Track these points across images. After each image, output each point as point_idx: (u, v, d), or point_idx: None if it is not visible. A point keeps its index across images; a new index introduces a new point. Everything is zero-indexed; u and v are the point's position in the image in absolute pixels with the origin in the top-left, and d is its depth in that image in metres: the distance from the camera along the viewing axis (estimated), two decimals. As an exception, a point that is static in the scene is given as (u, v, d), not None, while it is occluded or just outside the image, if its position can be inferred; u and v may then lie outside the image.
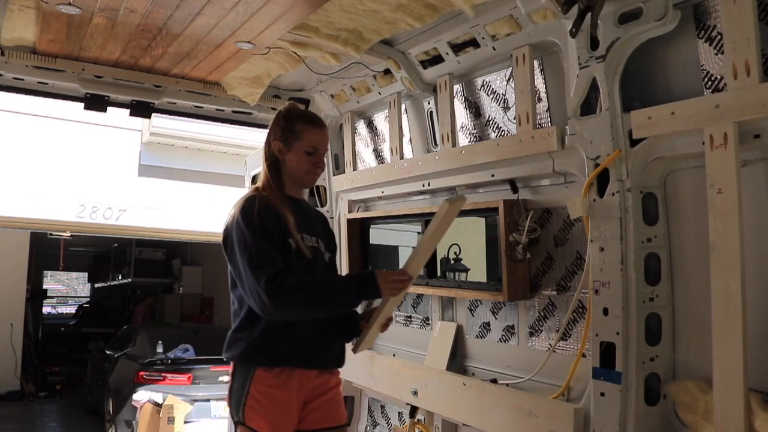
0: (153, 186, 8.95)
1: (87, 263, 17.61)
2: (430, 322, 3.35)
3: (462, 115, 3.04)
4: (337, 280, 2.26)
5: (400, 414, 3.54)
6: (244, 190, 5.00)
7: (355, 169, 3.71)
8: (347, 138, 3.74)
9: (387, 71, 3.18)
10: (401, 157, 3.30)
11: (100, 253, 16.47)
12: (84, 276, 20.20)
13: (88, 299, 19.74)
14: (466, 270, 3.30)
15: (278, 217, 2.20)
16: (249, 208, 2.17)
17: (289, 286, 2.04)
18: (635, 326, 2.07)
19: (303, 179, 2.34)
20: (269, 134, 2.35)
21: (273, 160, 2.32)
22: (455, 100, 2.99)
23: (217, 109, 3.70)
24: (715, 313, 1.83)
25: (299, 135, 2.29)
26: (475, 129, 3.00)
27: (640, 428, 2.06)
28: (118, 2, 2.49)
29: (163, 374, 7.22)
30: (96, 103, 3.36)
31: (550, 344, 2.58)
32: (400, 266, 2.19)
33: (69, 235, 9.79)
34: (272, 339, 2.16)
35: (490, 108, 2.89)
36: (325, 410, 2.26)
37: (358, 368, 3.30)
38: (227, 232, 2.21)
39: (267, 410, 2.13)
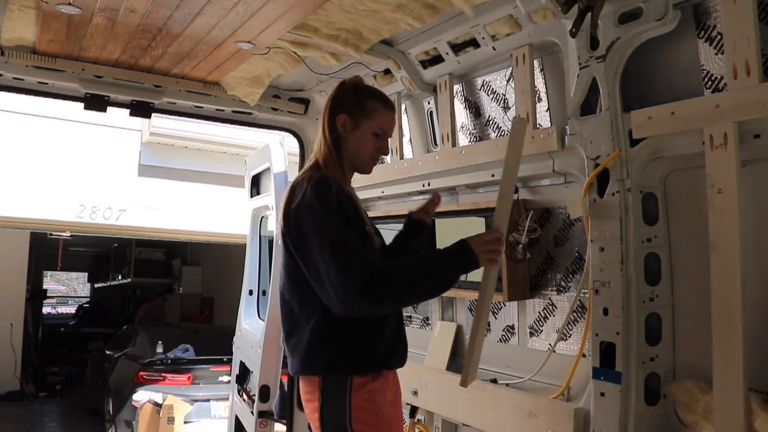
0: (153, 186, 8.96)
1: (87, 263, 17.62)
2: (430, 322, 3.35)
3: (462, 115, 3.04)
4: (426, 260, 1.95)
5: (400, 414, 3.54)
6: (244, 191, 5.02)
7: (355, 169, 3.70)
8: (347, 138, 3.73)
9: (387, 71, 3.17)
10: (401, 157, 3.30)
11: (99, 253, 16.48)
12: (84, 276, 20.21)
13: (88, 299, 19.74)
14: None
15: (352, 201, 1.97)
16: (325, 190, 1.89)
17: (385, 275, 1.80)
18: (635, 326, 2.07)
19: (364, 164, 2.10)
20: (332, 106, 2.08)
21: (336, 137, 2.05)
22: (455, 100, 2.99)
23: (217, 109, 3.69)
24: (715, 313, 1.83)
25: (370, 113, 2.06)
26: (475, 129, 3.00)
27: (640, 428, 2.06)
28: (118, 2, 2.49)
29: (163, 374, 7.23)
30: (96, 103, 3.35)
31: (550, 344, 2.58)
32: None
33: (69, 235, 9.80)
34: (369, 340, 1.93)
35: (490, 108, 2.89)
36: (398, 408, 2.13)
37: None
38: (292, 216, 1.91)
39: (378, 418, 1.92)
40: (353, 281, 1.77)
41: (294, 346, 1.99)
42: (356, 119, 2.06)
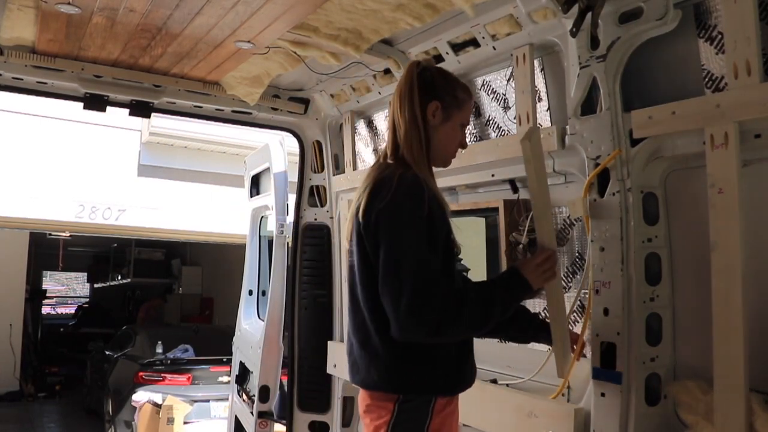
0: (152, 186, 8.96)
1: (86, 263, 17.62)
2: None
3: (462, 114, 3.03)
4: (481, 292, 1.80)
5: (399, 414, 3.53)
6: (244, 191, 5.02)
7: (355, 168, 3.70)
8: (347, 138, 3.73)
9: (387, 71, 3.17)
10: (401, 157, 3.29)
11: (99, 253, 16.48)
12: (83, 276, 20.19)
13: (88, 299, 19.75)
14: (466, 270, 3.29)
15: (442, 208, 1.80)
16: (418, 195, 1.73)
17: (456, 320, 1.68)
18: (636, 326, 2.07)
19: (447, 160, 1.96)
20: (421, 92, 1.86)
21: (426, 128, 1.86)
22: (455, 99, 2.98)
23: (217, 109, 3.69)
24: (716, 313, 1.82)
25: (461, 104, 1.90)
26: (475, 129, 2.99)
27: (641, 428, 2.05)
28: (117, 2, 2.48)
29: (162, 375, 7.24)
30: (95, 102, 3.35)
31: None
32: None
33: (68, 235, 9.80)
34: (460, 360, 1.84)
35: (490, 108, 2.88)
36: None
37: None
38: (376, 217, 1.73)
39: None
40: (424, 321, 1.66)
41: (369, 359, 1.82)
42: (448, 110, 1.89)
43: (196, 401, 7.00)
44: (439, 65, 2.90)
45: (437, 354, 1.80)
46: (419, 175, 1.79)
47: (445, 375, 1.83)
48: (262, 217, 4.83)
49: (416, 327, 1.67)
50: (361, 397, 1.91)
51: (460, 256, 3.17)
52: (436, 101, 1.88)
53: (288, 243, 4.11)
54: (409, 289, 1.66)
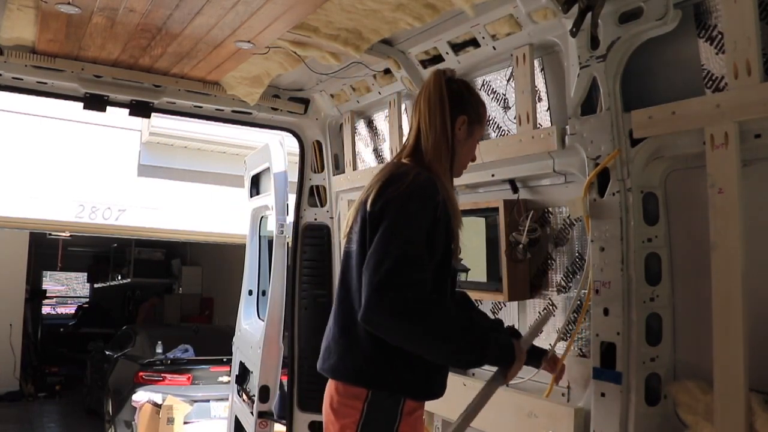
0: (152, 186, 8.96)
1: (86, 263, 17.62)
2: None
3: (462, 114, 3.03)
4: (474, 329, 1.79)
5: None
6: (244, 191, 5.02)
7: (355, 169, 3.70)
8: (347, 138, 3.73)
9: (387, 71, 3.17)
10: (401, 157, 3.29)
11: (99, 253, 16.48)
12: (83, 276, 20.20)
13: (88, 299, 19.75)
14: (466, 270, 3.29)
15: (453, 216, 1.83)
16: (432, 193, 1.75)
17: (427, 314, 1.66)
18: (636, 326, 2.07)
19: (461, 171, 1.99)
20: (452, 105, 1.88)
21: (453, 140, 1.88)
22: (455, 99, 2.98)
23: (217, 109, 3.69)
24: (716, 313, 1.82)
25: (481, 120, 1.94)
26: (475, 129, 2.99)
27: (641, 428, 2.05)
28: (117, 2, 2.48)
29: (162, 375, 7.24)
30: (95, 102, 3.35)
31: (550, 344, 2.57)
32: None
33: (68, 235, 9.80)
34: (436, 366, 1.83)
35: (490, 108, 2.88)
36: None
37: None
38: (385, 201, 1.74)
39: None
40: (395, 301, 1.63)
41: (346, 346, 1.81)
42: (472, 125, 1.93)
43: (196, 401, 7.00)
44: (438, 65, 2.91)
45: (414, 356, 1.76)
46: (437, 181, 1.80)
47: (417, 379, 1.81)
48: (262, 217, 4.83)
49: (378, 304, 1.63)
50: (328, 392, 1.88)
51: (460, 257, 3.18)
52: (464, 116, 1.91)
53: (288, 243, 4.11)
54: (389, 266, 1.64)
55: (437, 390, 1.91)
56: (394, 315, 1.64)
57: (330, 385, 1.89)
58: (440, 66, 2.91)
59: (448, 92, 1.91)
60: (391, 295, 1.64)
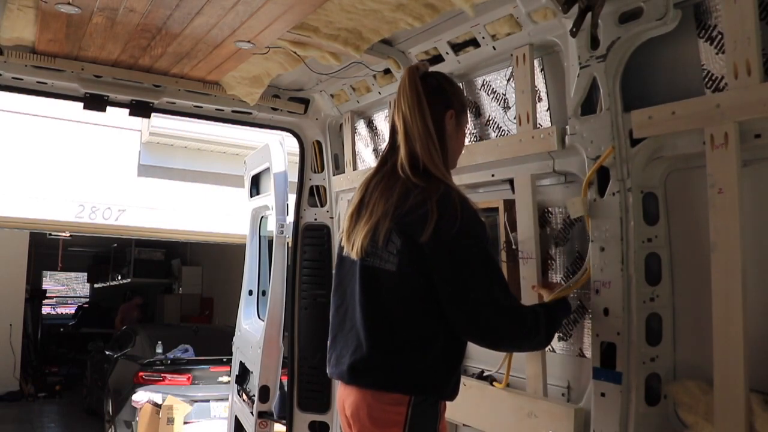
0: (152, 186, 8.96)
1: (86, 263, 17.65)
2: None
3: (462, 114, 3.03)
4: (537, 312, 2.01)
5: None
6: (244, 191, 5.02)
7: (355, 169, 3.70)
8: (347, 138, 3.73)
9: (387, 71, 3.17)
10: (401, 157, 3.28)
11: (99, 253, 16.50)
12: (83, 276, 20.22)
13: (88, 299, 19.76)
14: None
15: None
16: (475, 214, 1.83)
17: (523, 314, 1.91)
18: (636, 326, 2.07)
19: (455, 163, 1.99)
20: (432, 102, 1.85)
21: (441, 137, 1.86)
22: (455, 99, 2.98)
23: (217, 109, 3.69)
24: (716, 313, 1.82)
25: (465, 108, 1.92)
26: (475, 129, 2.99)
27: (641, 428, 2.05)
28: (117, 2, 2.48)
29: (162, 375, 7.24)
30: (95, 102, 3.34)
31: (550, 344, 2.57)
32: None
33: (68, 235, 9.81)
34: (457, 366, 1.95)
35: (490, 108, 2.88)
36: None
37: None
38: (450, 237, 1.77)
39: None
40: (514, 317, 1.86)
41: (392, 359, 1.85)
42: (459, 117, 1.92)
43: (196, 401, 7.00)
44: (438, 65, 2.91)
45: (452, 359, 1.93)
46: (464, 196, 1.85)
47: (451, 381, 1.94)
48: (262, 217, 4.83)
49: (506, 325, 1.84)
50: (355, 400, 1.90)
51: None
52: (451, 109, 1.91)
53: (288, 243, 4.11)
54: (497, 293, 1.81)
55: (457, 389, 2.03)
56: (513, 328, 1.89)
57: (356, 394, 1.91)
58: (440, 66, 2.92)
59: (426, 88, 1.89)
60: (510, 314, 1.87)
